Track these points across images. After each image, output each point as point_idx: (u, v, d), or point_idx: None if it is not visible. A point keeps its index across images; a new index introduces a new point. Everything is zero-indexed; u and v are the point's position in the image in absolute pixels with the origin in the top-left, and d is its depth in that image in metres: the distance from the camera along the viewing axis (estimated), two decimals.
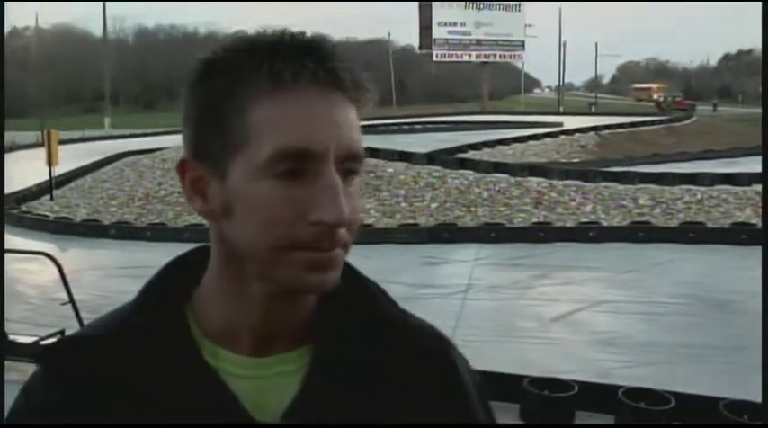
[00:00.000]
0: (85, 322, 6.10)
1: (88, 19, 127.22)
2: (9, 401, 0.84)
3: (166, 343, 0.79)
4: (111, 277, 9.71)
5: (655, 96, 63.32)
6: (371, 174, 16.07)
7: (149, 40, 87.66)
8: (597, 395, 5.28)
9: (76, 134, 36.57)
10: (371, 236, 11.96)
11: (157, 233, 13.15)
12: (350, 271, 0.85)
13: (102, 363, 0.79)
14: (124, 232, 13.59)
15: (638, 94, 71.54)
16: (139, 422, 0.77)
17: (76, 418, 0.78)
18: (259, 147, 0.72)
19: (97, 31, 67.49)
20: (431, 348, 0.86)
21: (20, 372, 5.13)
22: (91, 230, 13.83)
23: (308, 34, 0.76)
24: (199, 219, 13.40)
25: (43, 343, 5.82)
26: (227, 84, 0.74)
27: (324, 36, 0.76)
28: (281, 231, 0.72)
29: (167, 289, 0.84)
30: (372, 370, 0.81)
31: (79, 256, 11.27)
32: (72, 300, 6.15)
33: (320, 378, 0.80)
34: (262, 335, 0.80)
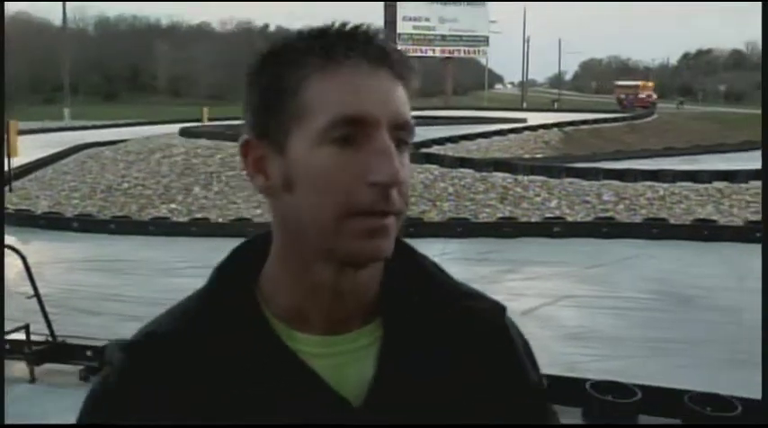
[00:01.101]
0: (50, 317, 6.04)
1: (48, 8, 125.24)
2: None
3: (243, 327, 0.82)
4: (75, 270, 9.49)
5: (642, 95, 59.55)
6: None
7: (110, 30, 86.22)
8: (565, 388, 5.29)
9: (36, 125, 35.89)
10: None
11: (121, 226, 12.89)
12: (406, 246, 0.92)
13: (182, 356, 0.80)
14: (87, 225, 13.30)
15: (621, 92, 66.05)
16: (223, 410, 0.78)
17: (163, 413, 0.78)
18: (315, 118, 0.77)
19: (57, 20, 66.35)
20: (487, 313, 0.93)
21: None
22: (53, 222, 13.55)
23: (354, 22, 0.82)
24: (164, 212, 13.32)
25: (9, 338, 5.68)
26: (283, 67, 0.80)
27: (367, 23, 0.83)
28: (340, 196, 0.76)
29: (237, 274, 0.87)
30: (438, 339, 0.87)
31: (42, 249, 11.00)
32: (37, 294, 6.01)
33: (394, 352, 0.85)
34: (332, 315, 0.84)
